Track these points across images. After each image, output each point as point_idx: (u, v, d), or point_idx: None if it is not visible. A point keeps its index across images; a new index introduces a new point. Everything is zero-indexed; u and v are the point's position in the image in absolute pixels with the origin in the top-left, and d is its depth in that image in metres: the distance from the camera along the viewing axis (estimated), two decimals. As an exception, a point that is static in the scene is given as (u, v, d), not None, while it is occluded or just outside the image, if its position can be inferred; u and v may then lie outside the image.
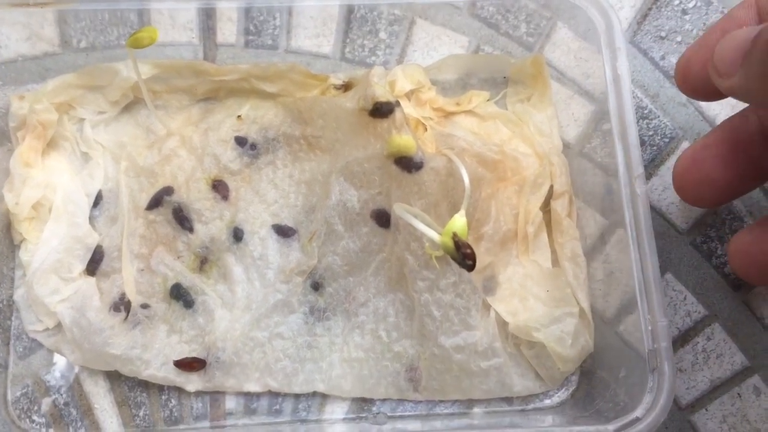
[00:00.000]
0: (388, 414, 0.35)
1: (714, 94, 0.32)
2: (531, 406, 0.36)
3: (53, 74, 0.38)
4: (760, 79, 0.25)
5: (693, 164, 0.33)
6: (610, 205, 0.35)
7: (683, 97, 0.40)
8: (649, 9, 0.41)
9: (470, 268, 0.29)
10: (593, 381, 0.35)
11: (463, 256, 0.29)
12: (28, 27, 0.38)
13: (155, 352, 0.35)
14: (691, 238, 0.38)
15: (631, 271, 0.32)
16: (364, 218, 0.35)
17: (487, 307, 0.35)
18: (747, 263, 0.34)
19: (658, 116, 0.40)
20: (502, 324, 0.35)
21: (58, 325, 0.35)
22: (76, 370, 0.35)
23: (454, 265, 0.34)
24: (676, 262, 0.38)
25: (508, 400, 0.35)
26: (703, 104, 0.40)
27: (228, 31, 0.40)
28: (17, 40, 0.38)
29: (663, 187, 0.39)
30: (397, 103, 0.34)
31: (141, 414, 0.35)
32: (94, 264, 0.36)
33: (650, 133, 0.40)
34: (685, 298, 0.37)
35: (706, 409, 0.36)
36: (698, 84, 0.32)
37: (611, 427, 0.31)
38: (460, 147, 0.36)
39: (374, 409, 0.35)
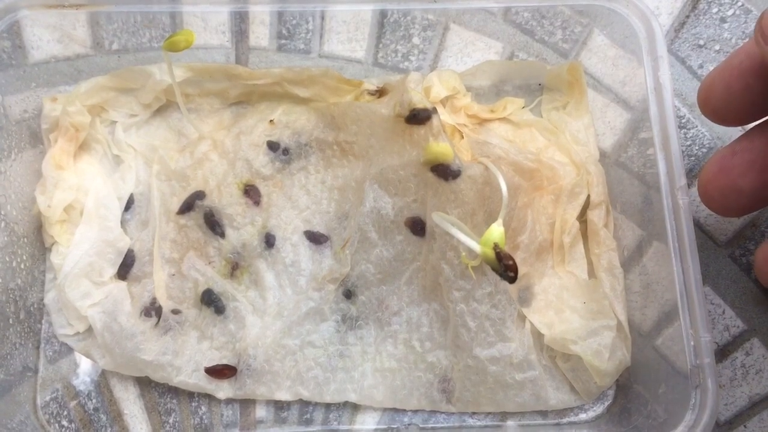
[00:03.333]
0: (420, 425, 0.35)
1: (734, 119, 0.31)
2: (566, 419, 0.35)
3: (85, 76, 0.38)
4: None
5: (720, 172, 0.32)
6: (648, 215, 0.34)
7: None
8: (687, 17, 0.41)
9: (512, 280, 0.28)
10: (629, 395, 0.35)
11: (505, 267, 0.28)
12: (61, 28, 0.37)
13: (186, 358, 0.34)
14: (730, 251, 0.37)
15: (672, 284, 0.32)
16: (399, 226, 0.35)
17: (522, 318, 0.35)
18: None
19: (696, 126, 0.39)
20: (537, 336, 0.35)
21: (89, 330, 0.35)
22: (106, 375, 0.35)
23: (490, 275, 0.34)
24: (714, 275, 0.37)
25: (543, 413, 0.35)
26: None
27: (261, 34, 0.39)
28: (49, 42, 0.37)
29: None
30: (434, 110, 0.34)
31: (171, 421, 0.35)
32: (126, 268, 0.36)
33: (688, 142, 0.39)
34: (723, 312, 0.37)
35: (745, 426, 0.35)
36: (720, 107, 0.31)
37: (652, 444, 0.30)
38: (496, 155, 0.36)
39: (406, 420, 0.35)
